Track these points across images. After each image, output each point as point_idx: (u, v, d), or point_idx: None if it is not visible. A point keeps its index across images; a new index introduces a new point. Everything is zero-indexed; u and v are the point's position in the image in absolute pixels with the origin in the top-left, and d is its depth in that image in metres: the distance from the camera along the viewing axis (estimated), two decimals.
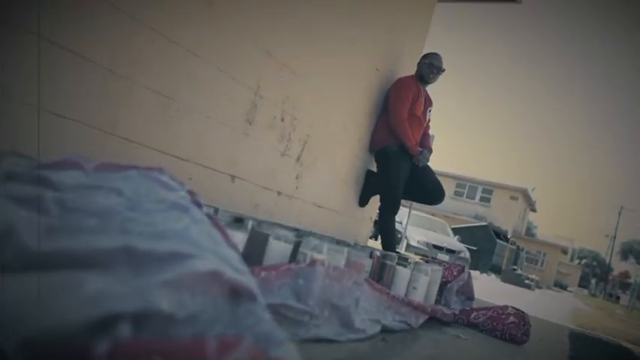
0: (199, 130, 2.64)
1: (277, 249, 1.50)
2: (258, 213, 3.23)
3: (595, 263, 62.87)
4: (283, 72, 3.15)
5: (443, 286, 3.00)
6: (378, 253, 2.18)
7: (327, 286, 1.35)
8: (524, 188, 32.71)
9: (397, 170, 4.25)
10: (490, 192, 31.85)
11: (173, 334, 0.66)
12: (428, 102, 4.50)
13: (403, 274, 2.20)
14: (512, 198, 32.02)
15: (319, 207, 3.97)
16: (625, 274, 51.90)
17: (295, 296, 1.28)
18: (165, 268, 0.71)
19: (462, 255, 13.90)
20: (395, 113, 4.22)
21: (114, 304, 0.60)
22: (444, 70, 4.51)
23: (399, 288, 2.19)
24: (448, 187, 31.26)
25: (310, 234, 2.30)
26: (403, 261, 2.30)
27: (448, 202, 30.41)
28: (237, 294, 0.81)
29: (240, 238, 1.43)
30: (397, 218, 14.68)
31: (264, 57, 2.96)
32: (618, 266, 57.68)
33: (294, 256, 1.53)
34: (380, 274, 2.14)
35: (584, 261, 63.66)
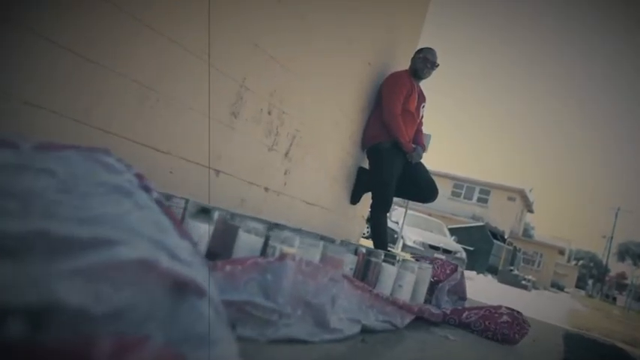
0: (181, 122, 2.53)
1: (247, 242, 1.39)
2: (245, 209, 3.13)
3: (592, 264, 62.82)
4: (271, 64, 3.04)
5: (434, 285, 2.90)
6: (363, 250, 2.07)
7: (299, 283, 1.24)
8: (522, 189, 32.60)
9: (390, 167, 4.15)
10: (488, 193, 31.76)
11: (87, 332, 0.55)
12: (421, 98, 4.40)
13: (389, 271, 2.09)
14: (510, 199, 31.93)
15: (309, 204, 3.86)
16: (622, 275, 51.86)
17: (263, 293, 1.17)
18: (83, 255, 0.61)
19: (458, 255, 13.81)
20: (388, 108, 4.11)
21: (5, 296, 0.50)
22: (437, 65, 4.41)
23: (385, 286, 2.08)
24: (445, 188, 31.21)
25: (291, 229, 2.20)
26: (390, 258, 2.20)
27: (445, 203, 30.34)
28: (180, 288, 0.71)
29: (205, 229, 1.32)
30: (393, 218, 14.66)
31: (250, 48, 2.85)
32: (615, 267, 57.61)
33: (265, 250, 1.42)
34: (365, 272, 2.03)
35: (581, 262, 63.59)
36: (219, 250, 1.36)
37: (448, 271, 2.91)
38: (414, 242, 13.29)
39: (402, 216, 12.56)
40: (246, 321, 1.14)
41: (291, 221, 3.60)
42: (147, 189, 0.91)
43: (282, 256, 1.22)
